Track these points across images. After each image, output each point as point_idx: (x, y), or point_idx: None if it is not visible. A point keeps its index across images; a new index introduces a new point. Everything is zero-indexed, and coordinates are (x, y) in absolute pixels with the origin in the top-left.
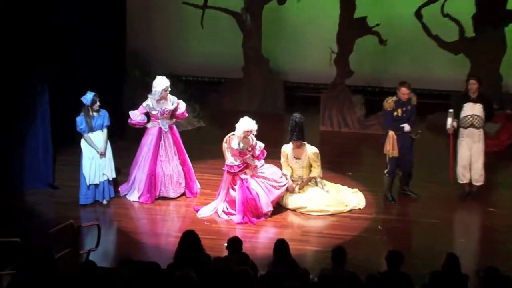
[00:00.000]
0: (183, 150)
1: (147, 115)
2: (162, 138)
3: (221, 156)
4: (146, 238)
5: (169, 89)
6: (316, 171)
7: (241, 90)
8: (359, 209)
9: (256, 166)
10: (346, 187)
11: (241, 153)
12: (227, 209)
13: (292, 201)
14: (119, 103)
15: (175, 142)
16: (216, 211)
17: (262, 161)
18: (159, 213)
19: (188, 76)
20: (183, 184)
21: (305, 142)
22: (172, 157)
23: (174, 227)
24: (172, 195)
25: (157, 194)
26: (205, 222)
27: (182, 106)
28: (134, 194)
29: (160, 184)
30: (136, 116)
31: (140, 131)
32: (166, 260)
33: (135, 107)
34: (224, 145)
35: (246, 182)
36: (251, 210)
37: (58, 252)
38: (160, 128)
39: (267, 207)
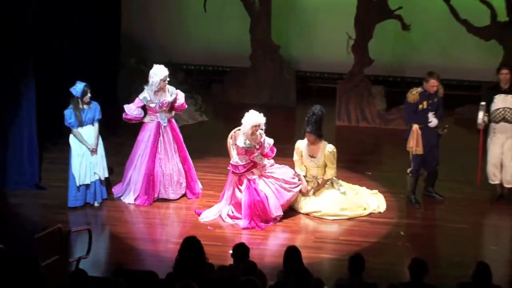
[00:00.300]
0: (183, 146)
1: (144, 108)
2: (161, 134)
3: (226, 154)
4: (143, 245)
5: (168, 79)
6: (331, 172)
7: (248, 81)
8: (379, 212)
9: (264, 165)
10: (364, 188)
11: (247, 151)
12: (232, 212)
13: (305, 204)
14: (112, 95)
15: (174, 137)
16: (220, 215)
17: (272, 160)
18: (157, 217)
19: (189, 64)
20: (184, 184)
21: (322, 140)
22: (171, 155)
23: (173, 232)
24: (172, 196)
25: (156, 195)
26: (208, 227)
27: (181, 96)
28: (129, 196)
29: (159, 185)
30: (131, 110)
31: (135, 126)
32: (165, 269)
33: (130, 98)
34: (229, 141)
35: (254, 183)
36: (259, 214)
37: (45, 260)
38: (159, 123)
39: (276, 211)
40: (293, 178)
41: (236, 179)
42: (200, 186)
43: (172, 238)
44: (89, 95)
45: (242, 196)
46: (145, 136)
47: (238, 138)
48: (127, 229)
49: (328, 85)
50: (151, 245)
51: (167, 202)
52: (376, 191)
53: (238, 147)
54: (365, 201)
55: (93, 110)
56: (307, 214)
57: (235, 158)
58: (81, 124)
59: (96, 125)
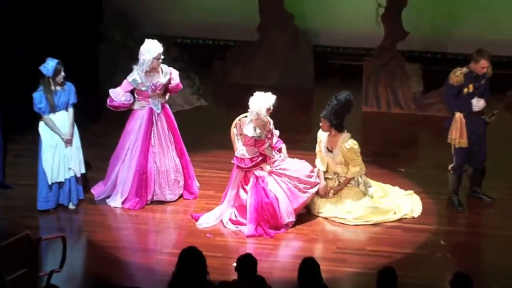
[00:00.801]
0: (179, 137)
1: (133, 93)
2: (154, 122)
3: (228, 146)
4: (129, 255)
5: (162, 57)
6: (354, 170)
7: (256, 58)
8: (413, 217)
9: (275, 160)
10: (397, 188)
11: (257, 142)
12: (236, 216)
13: (323, 206)
14: (92, 74)
15: (170, 126)
16: (221, 220)
17: (285, 153)
18: (146, 222)
19: (185, 38)
20: (182, 183)
21: (344, 132)
22: (167, 147)
23: (166, 240)
24: (169, 197)
25: (149, 197)
26: (207, 235)
27: (175, 75)
28: (116, 198)
29: (153, 184)
30: (118, 95)
31: (121, 113)
32: (155, 285)
33: (113, 79)
34: (233, 131)
35: (262, 181)
36: (267, 218)
37: (11, 273)
38: (151, 109)
39: (288, 216)
40: (310, 176)
41: (241, 176)
42: (198, 184)
43: (165, 248)
44: (62, 74)
45: (248, 197)
46: (136, 126)
47: (245, 126)
48: (109, 236)
49: (352, 63)
50: (140, 256)
51: (161, 204)
52: (411, 191)
53: (245, 136)
54: (396, 203)
55: (68, 92)
56: (325, 219)
57: (240, 149)
58: (53, 109)
59: (71, 110)
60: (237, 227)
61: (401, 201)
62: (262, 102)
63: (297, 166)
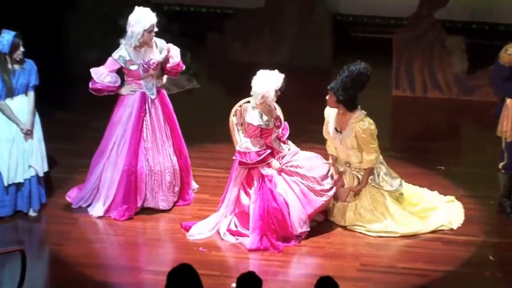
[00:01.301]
0: (178, 130)
1: (121, 73)
2: (147, 111)
3: (227, 139)
4: (105, 274)
5: (156, 29)
6: (370, 158)
7: (261, 29)
8: (451, 229)
9: (285, 155)
10: (436, 193)
11: (264, 131)
12: (236, 226)
13: (342, 211)
14: (58, 49)
15: (167, 117)
16: (218, 230)
17: (294, 146)
18: (126, 233)
19: (174, 4)
20: (178, 188)
21: (358, 110)
22: (163, 142)
23: (151, 256)
24: (162, 205)
25: (140, 204)
26: (200, 248)
27: (175, 52)
28: (97, 206)
29: (145, 188)
30: (102, 75)
31: (99, 99)
32: None
33: (85, 55)
34: (232, 119)
35: (270, 181)
36: (275, 228)
37: None
38: (144, 94)
39: (301, 225)
40: (328, 176)
41: (243, 175)
42: (196, 186)
43: (150, 265)
44: (21, 49)
45: (252, 201)
46: (124, 115)
47: (248, 113)
48: (80, 250)
49: (380, 36)
50: (118, 275)
51: (150, 212)
52: (453, 197)
53: (250, 126)
54: (432, 210)
55: (28, 72)
56: (346, 228)
57: (243, 142)
58: (11, 93)
59: (31, 94)
60: (237, 239)
61: (439, 208)
62: (269, 82)
63: (312, 163)
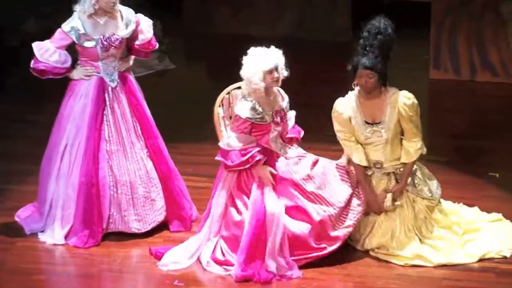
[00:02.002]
0: (153, 126)
1: (73, 51)
2: (108, 102)
3: (211, 136)
4: None
5: None
6: (416, 147)
7: None
8: (504, 257)
9: (290, 158)
10: (477, 209)
11: (257, 127)
12: (224, 253)
13: (364, 232)
14: None
15: (135, 108)
16: (199, 258)
17: (299, 149)
18: (75, 262)
19: None
20: (161, 203)
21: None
22: (132, 144)
23: None
24: (135, 227)
25: (104, 226)
26: (175, 282)
27: (145, 25)
28: (54, 231)
29: (109, 205)
30: (46, 52)
31: (51, 83)
32: None
33: (29, 28)
34: (218, 111)
35: (269, 190)
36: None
37: None
38: (101, 81)
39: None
40: (354, 196)
41: (232, 182)
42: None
43: None
44: None
45: (247, 215)
46: (76, 108)
47: (237, 102)
48: (15, 285)
49: (412, 5)
50: None
51: (118, 236)
52: (499, 215)
53: (237, 117)
54: (473, 230)
55: None
56: (367, 251)
57: (229, 138)
58: None
59: None
60: (224, 269)
61: (483, 232)
62: (257, 62)
63: (335, 182)
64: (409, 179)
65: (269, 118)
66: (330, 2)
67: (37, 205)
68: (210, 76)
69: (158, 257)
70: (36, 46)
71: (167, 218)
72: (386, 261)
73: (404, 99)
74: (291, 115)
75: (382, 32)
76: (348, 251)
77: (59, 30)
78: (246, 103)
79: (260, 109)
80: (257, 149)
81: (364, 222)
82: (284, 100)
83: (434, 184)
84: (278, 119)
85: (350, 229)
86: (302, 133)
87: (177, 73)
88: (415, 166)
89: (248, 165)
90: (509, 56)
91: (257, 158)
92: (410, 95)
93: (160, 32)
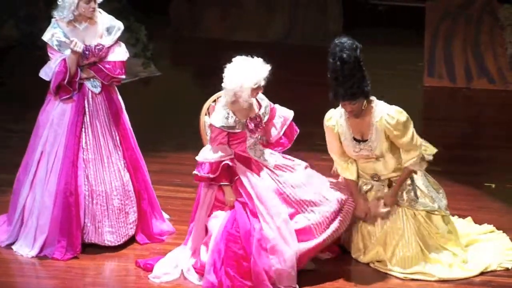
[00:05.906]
0: (131, 137)
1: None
2: (87, 110)
3: (197, 146)
4: None
5: (99, 0)
6: (413, 154)
7: None
8: (507, 269)
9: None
10: (470, 219)
11: (233, 136)
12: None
13: (365, 239)
14: None
15: (114, 118)
16: (183, 270)
17: (279, 155)
18: (60, 275)
19: None
20: (134, 216)
21: (373, 99)
22: (109, 153)
23: None
24: (108, 240)
25: (80, 237)
26: None
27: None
28: (27, 242)
29: (84, 216)
30: (51, 71)
31: (31, 91)
32: None
33: (11, 33)
34: (204, 120)
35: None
36: (238, 263)
37: None
38: (83, 87)
39: (280, 279)
40: (344, 198)
41: (213, 194)
42: (167, 216)
43: None
44: None
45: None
46: (53, 115)
47: (215, 110)
48: None
49: (408, 4)
50: None
51: (99, 250)
52: (491, 227)
53: (213, 128)
54: (471, 242)
55: None
56: (367, 264)
57: (205, 152)
58: None
59: None
60: (200, 279)
61: (480, 244)
62: (245, 75)
63: (317, 183)
64: (412, 193)
65: (242, 127)
66: (320, 6)
67: (5, 218)
68: (197, 83)
69: (148, 269)
70: (43, 73)
71: (137, 232)
72: (386, 273)
73: (388, 119)
74: (285, 113)
75: (347, 61)
76: (348, 263)
77: (47, 44)
78: (221, 112)
79: (233, 119)
80: (227, 164)
81: (363, 234)
82: (261, 107)
83: (440, 195)
84: (252, 126)
85: (328, 232)
86: (297, 131)
87: (163, 80)
88: (419, 179)
89: (217, 173)
90: (506, 63)
91: (224, 163)
92: (394, 113)
93: (145, 38)
